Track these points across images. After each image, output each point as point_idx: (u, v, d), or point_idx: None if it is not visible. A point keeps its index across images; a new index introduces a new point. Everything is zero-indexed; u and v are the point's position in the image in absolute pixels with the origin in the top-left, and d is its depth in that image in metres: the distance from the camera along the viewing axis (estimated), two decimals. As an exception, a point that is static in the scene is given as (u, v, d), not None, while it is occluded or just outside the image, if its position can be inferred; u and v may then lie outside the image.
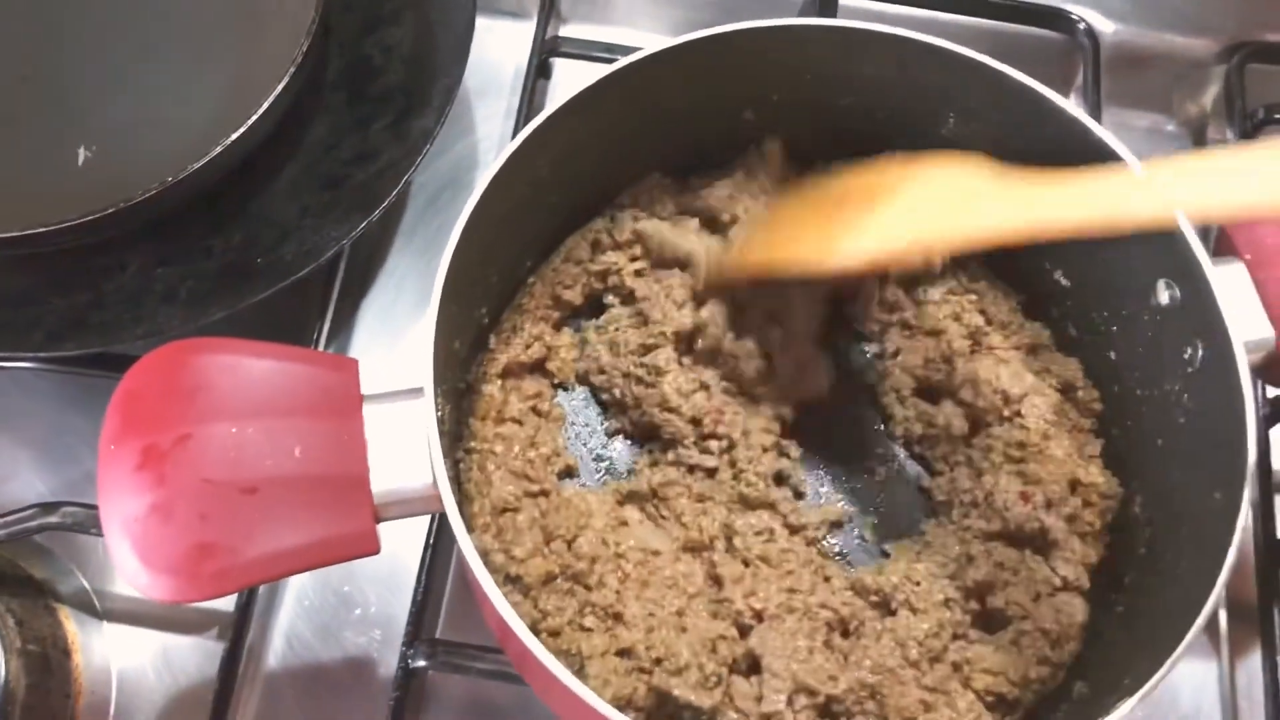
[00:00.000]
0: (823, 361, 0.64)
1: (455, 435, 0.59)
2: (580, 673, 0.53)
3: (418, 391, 0.50)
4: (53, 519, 0.62)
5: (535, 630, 0.54)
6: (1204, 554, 0.50)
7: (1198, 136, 0.83)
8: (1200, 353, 0.54)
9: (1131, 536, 0.59)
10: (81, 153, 0.68)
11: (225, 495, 0.46)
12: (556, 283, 0.64)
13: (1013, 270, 0.66)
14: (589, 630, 0.54)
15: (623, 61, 0.56)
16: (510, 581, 0.55)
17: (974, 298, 0.65)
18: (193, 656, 0.65)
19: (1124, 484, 0.60)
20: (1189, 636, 0.47)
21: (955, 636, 0.56)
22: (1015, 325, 0.65)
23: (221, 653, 0.63)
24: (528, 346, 0.62)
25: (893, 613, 0.57)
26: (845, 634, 0.57)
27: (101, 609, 0.66)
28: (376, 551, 0.49)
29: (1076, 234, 0.48)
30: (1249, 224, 0.57)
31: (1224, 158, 0.46)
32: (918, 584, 0.57)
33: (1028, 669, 0.55)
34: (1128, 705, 0.46)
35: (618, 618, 0.54)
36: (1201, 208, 0.48)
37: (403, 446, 0.49)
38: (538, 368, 0.63)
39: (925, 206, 0.52)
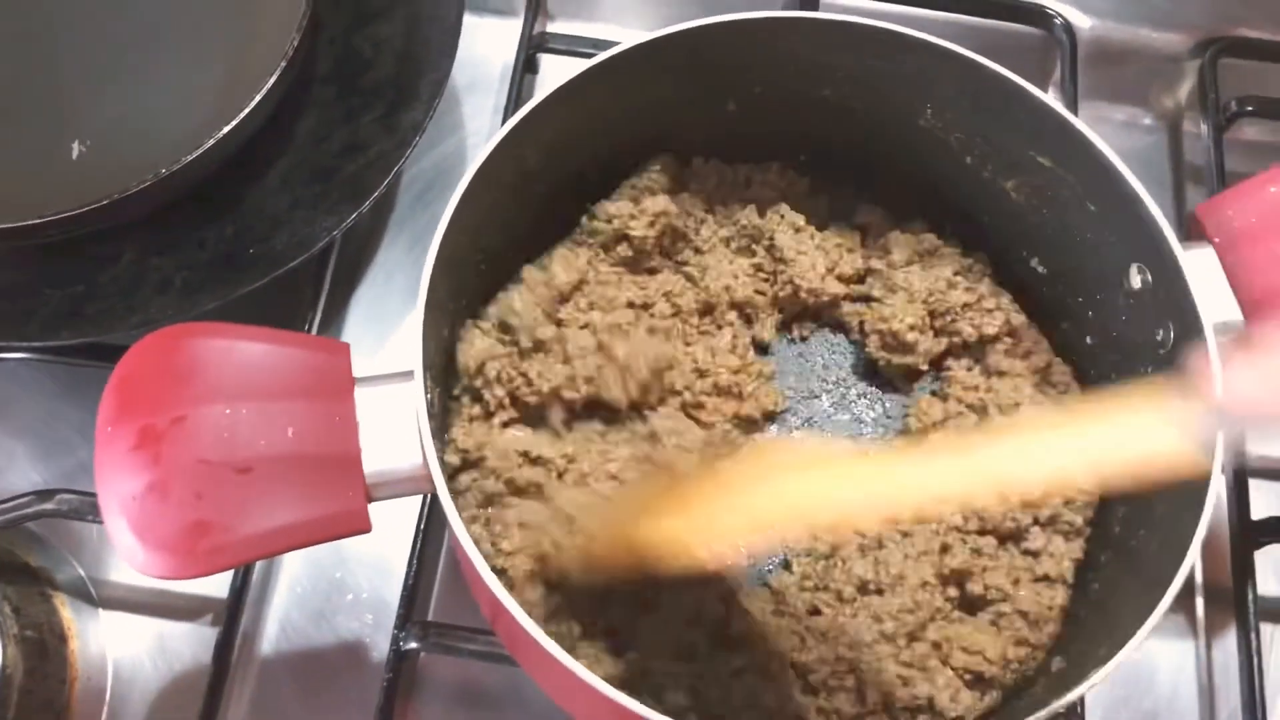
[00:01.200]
0: None
1: (444, 421, 0.60)
2: (572, 652, 0.54)
3: (408, 375, 0.51)
4: (48, 506, 0.62)
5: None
6: (1176, 529, 0.51)
7: (1173, 129, 0.84)
8: (1171, 335, 0.55)
9: (1106, 517, 0.60)
10: (75, 147, 0.69)
11: (220, 474, 0.47)
12: None
13: (991, 260, 0.67)
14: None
15: (607, 53, 0.58)
16: (497, 574, 0.56)
17: None
18: (187, 642, 0.66)
19: None
20: (1163, 604, 0.48)
21: (933, 616, 0.58)
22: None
23: (215, 638, 0.63)
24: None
25: (868, 593, 0.58)
26: (818, 612, 0.58)
27: (97, 596, 0.67)
28: (368, 530, 0.50)
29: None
30: (1218, 208, 0.58)
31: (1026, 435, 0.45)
32: (891, 570, 0.58)
33: (1006, 649, 0.56)
34: (1101, 674, 0.47)
35: (603, 600, 0.56)
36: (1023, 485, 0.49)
37: (393, 428, 0.50)
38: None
39: (784, 495, 0.49)
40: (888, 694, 0.54)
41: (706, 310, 0.66)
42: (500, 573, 0.56)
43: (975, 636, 0.56)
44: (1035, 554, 0.59)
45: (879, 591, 0.58)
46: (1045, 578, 0.59)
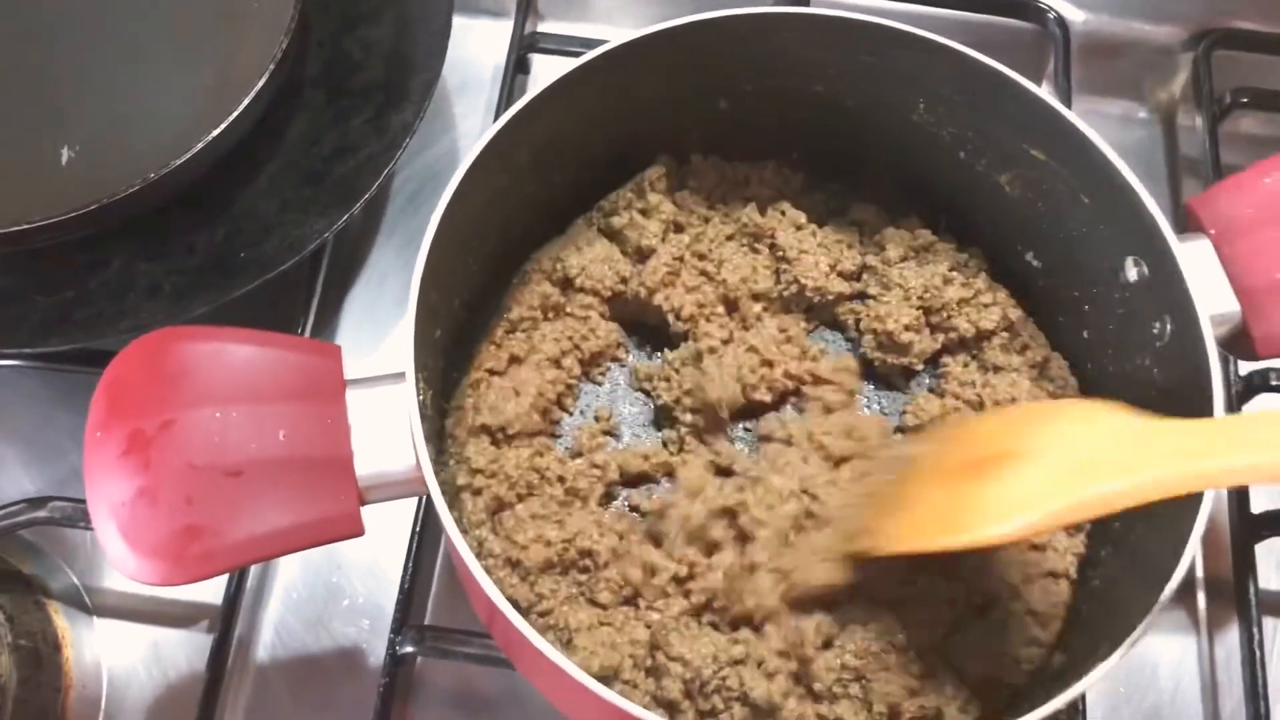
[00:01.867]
0: None
1: (443, 438, 0.59)
2: (568, 645, 0.54)
3: (399, 376, 0.50)
4: (41, 514, 0.62)
5: (528, 612, 0.55)
6: (1175, 522, 0.51)
7: (1168, 122, 0.84)
8: (1169, 327, 0.55)
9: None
10: (65, 153, 0.68)
11: (210, 479, 0.47)
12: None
13: (988, 253, 0.67)
14: (576, 604, 0.55)
15: (597, 51, 0.57)
16: (510, 565, 0.56)
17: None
18: (182, 649, 0.65)
19: None
20: (1163, 597, 0.48)
21: (949, 631, 0.57)
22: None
23: (210, 645, 0.63)
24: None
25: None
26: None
27: (91, 604, 0.66)
28: (361, 533, 0.50)
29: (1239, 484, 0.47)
30: (1213, 199, 0.58)
31: None
32: (914, 582, 0.58)
33: (1016, 650, 0.56)
34: (1103, 669, 0.47)
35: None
36: None
37: (386, 430, 0.50)
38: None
39: (1073, 461, 0.47)
40: (894, 705, 0.54)
41: (731, 306, 0.65)
42: (515, 564, 0.56)
43: (987, 640, 0.56)
44: (1041, 549, 0.59)
45: (902, 602, 0.57)
46: (1051, 574, 0.58)
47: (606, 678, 0.53)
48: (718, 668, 0.54)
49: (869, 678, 0.54)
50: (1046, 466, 0.48)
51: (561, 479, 0.59)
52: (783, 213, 0.66)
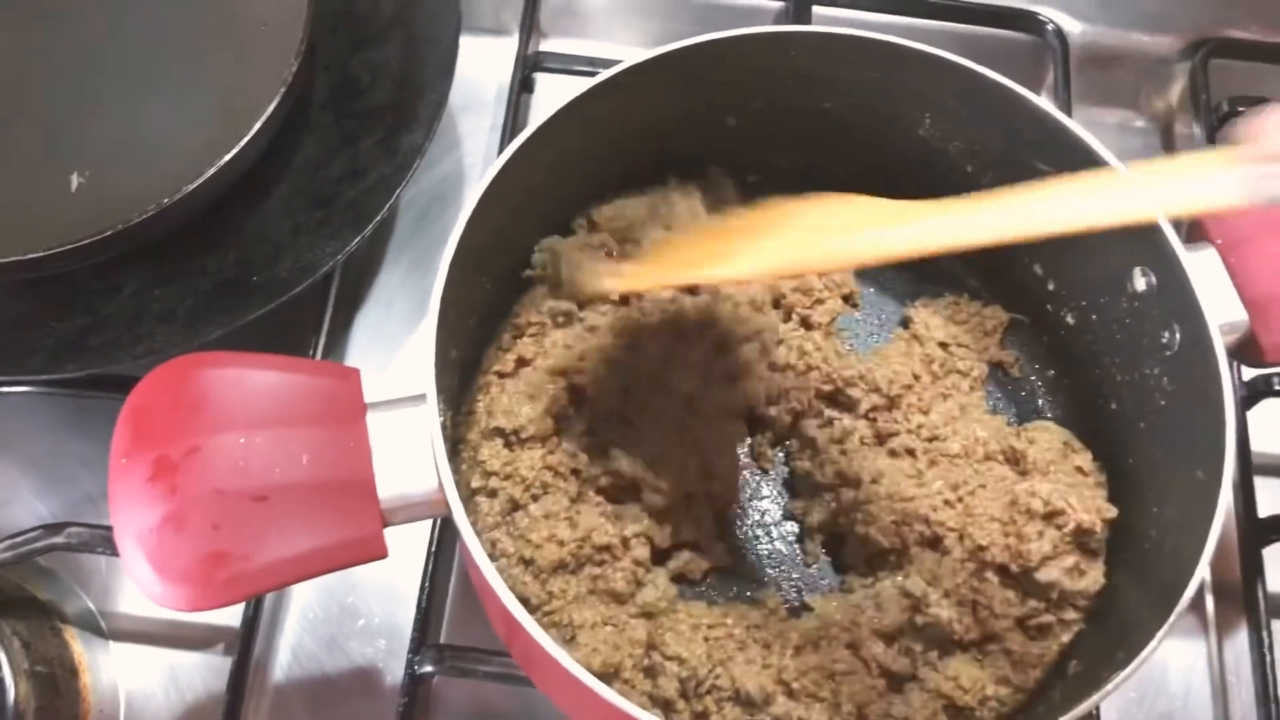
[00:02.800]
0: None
1: (454, 442, 0.60)
2: (571, 643, 0.54)
3: (420, 398, 0.51)
4: (59, 539, 0.62)
5: (536, 610, 0.56)
6: (1189, 530, 0.51)
7: (1165, 131, 0.85)
8: (1177, 336, 0.55)
9: (1118, 520, 0.60)
10: (75, 179, 0.68)
11: (236, 504, 0.47)
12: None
13: (993, 266, 0.67)
14: (583, 603, 0.56)
15: (611, 71, 0.58)
16: (523, 563, 0.57)
17: None
18: (199, 672, 0.65)
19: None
20: (1179, 606, 0.48)
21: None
22: None
23: (228, 668, 0.63)
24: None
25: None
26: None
27: (107, 629, 0.66)
28: (384, 556, 0.50)
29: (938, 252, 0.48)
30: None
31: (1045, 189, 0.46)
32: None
33: (985, 687, 0.56)
34: (1121, 677, 0.47)
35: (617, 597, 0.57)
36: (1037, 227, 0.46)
37: (407, 452, 0.50)
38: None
39: (808, 233, 0.52)
40: (862, 706, 0.55)
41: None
42: (528, 563, 0.56)
43: (959, 668, 0.56)
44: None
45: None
46: (1040, 626, 0.58)
47: (607, 675, 0.54)
48: (711, 665, 0.54)
49: (839, 679, 0.55)
50: (786, 230, 0.53)
51: (576, 471, 0.59)
52: None
